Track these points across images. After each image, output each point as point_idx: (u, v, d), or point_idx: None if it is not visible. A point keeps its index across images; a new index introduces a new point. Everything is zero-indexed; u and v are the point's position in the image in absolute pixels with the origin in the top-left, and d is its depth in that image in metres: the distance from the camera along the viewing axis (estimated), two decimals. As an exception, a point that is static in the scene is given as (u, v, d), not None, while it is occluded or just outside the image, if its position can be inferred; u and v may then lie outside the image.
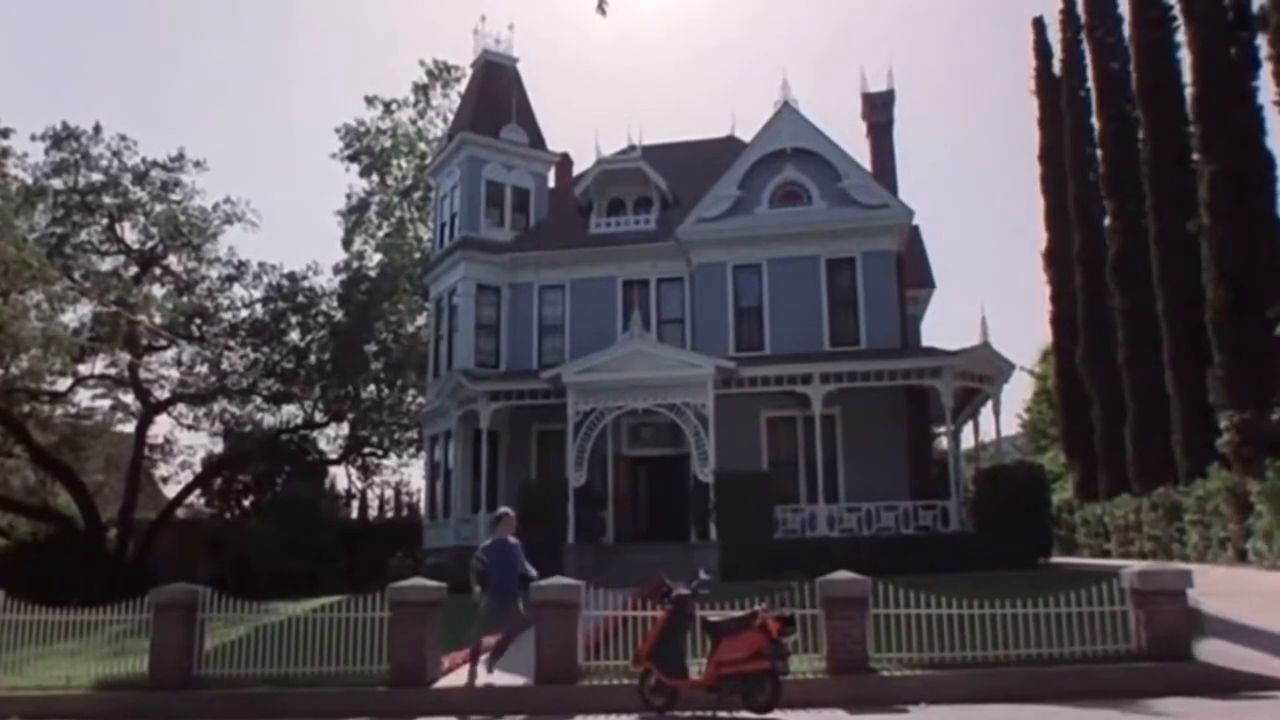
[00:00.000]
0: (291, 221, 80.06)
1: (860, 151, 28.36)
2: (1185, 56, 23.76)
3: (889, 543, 20.19)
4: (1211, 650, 10.42)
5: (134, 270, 36.43)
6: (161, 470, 41.47)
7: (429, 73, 42.25)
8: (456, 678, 11.18)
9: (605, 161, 27.63)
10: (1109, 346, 28.84)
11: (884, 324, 24.32)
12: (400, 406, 38.43)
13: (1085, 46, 31.84)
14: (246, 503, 38.49)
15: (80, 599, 15.31)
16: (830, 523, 21.40)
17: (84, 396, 36.78)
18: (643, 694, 9.58)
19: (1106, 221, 29.78)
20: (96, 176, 35.55)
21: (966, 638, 10.46)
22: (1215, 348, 21.28)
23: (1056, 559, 23.26)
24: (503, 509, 12.37)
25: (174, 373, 37.33)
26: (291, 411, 38.42)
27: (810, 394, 21.72)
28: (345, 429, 39.22)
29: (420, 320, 37.86)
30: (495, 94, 29.14)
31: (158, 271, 37.63)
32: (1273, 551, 16.95)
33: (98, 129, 35.43)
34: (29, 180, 33.54)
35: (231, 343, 36.93)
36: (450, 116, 37.79)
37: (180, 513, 38.46)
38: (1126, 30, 27.70)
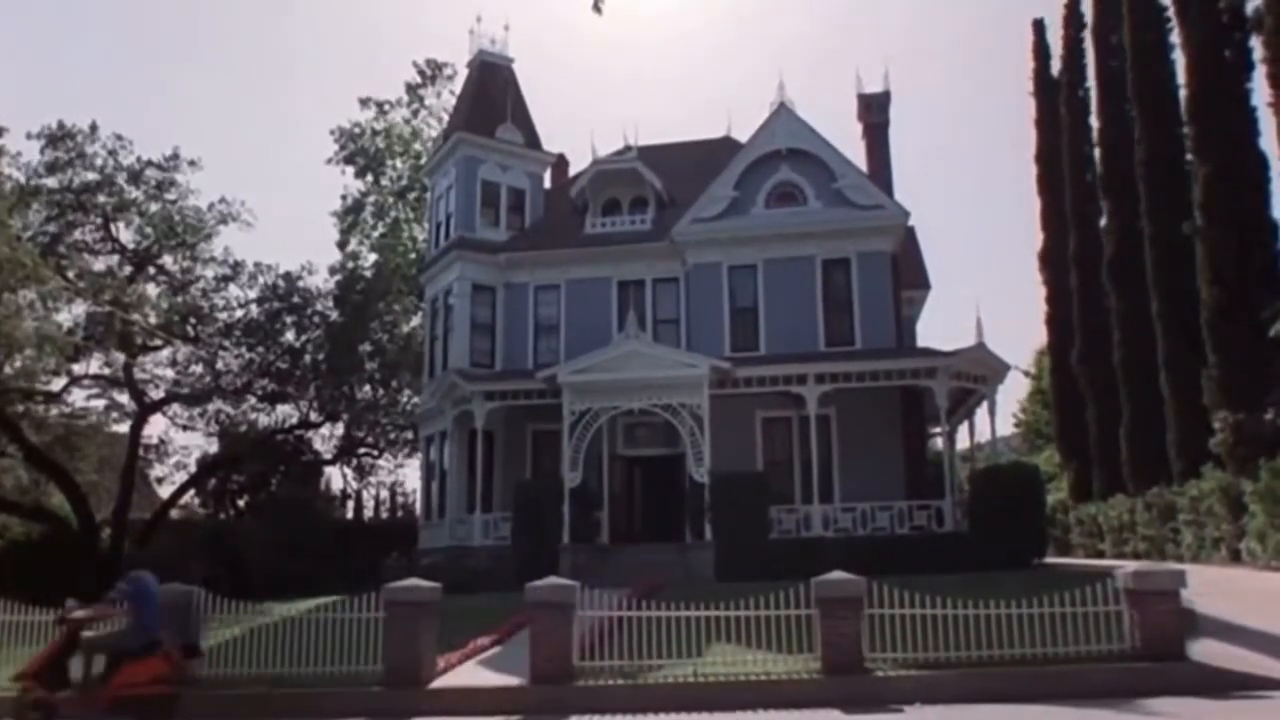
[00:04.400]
0: (287, 222, 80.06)
1: (856, 152, 28.42)
2: (1180, 58, 23.80)
3: (884, 543, 20.21)
4: (1205, 650, 10.45)
5: (129, 269, 36.39)
6: (156, 470, 41.41)
7: (421, 72, 42.23)
8: (452, 678, 11.16)
9: (601, 162, 27.60)
10: (1104, 347, 28.88)
11: (879, 324, 24.35)
12: (395, 406, 38.41)
13: (1088, 45, 31.74)
14: (241, 503, 38.47)
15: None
16: (825, 523, 21.40)
17: (78, 396, 36.80)
18: (19, 711, 9.36)
19: (1102, 222, 29.83)
20: (91, 175, 35.52)
21: (961, 638, 10.47)
22: (1210, 349, 21.33)
23: (1051, 559, 23.28)
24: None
25: (169, 372, 37.36)
26: (286, 411, 38.45)
27: (805, 394, 21.72)
28: (340, 429, 39.23)
29: (415, 320, 37.82)
30: (491, 94, 29.10)
31: (152, 271, 37.57)
32: (1266, 551, 17.00)
33: (93, 128, 35.44)
34: (23, 179, 33.52)
35: (226, 343, 36.89)
36: (445, 116, 37.76)
37: (174, 513, 38.38)
38: (1124, 31, 27.70)
